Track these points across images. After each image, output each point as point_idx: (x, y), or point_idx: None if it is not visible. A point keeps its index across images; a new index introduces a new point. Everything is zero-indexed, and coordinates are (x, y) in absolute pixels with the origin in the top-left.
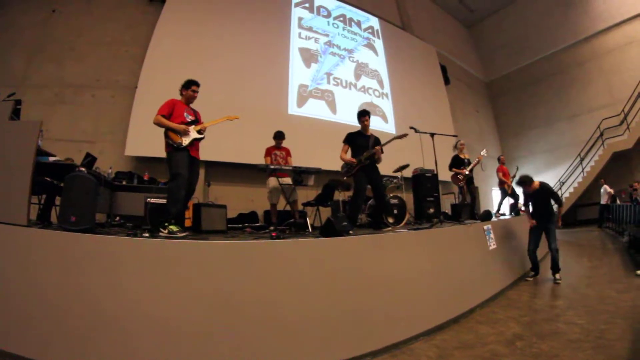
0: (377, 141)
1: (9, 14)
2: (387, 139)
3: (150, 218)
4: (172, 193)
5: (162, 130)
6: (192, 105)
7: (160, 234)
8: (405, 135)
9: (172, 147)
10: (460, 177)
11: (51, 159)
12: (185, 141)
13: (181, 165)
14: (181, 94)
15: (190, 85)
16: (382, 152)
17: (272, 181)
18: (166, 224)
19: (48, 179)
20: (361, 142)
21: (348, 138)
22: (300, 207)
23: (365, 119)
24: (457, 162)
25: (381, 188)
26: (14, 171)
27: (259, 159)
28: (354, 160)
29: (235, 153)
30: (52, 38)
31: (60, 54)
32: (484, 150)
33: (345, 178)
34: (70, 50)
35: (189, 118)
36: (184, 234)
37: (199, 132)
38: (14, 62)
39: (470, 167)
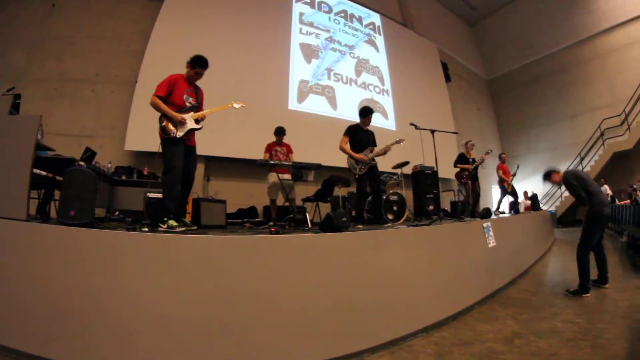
0: (373, 136)
1: (9, 9)
2: (385, 140)
3: (149, 213)
4: (166, 187)
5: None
6: (197, 83)
7: (160, 229)
8: (402, 140)
9: (164, 137)
10: (465, 174)
11: (50, 153)
12: (180, 132)
13: (175, 157)
14: (186, 69)
15: (195, 66)
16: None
17: (272, 177)
18: (165, 219)
19: (44, 172)
20: (362, 137)
21: (350, 131)
22: (299, 203)
23: (371, 117)
24: (462, 161)
25: (380, 186)
26: (13, 166)
27: (258, 154)
28: (365, 157)
29: (235, 148)
30: (52, 33)
31: (60, 49)
32: (490, 150)
33: (357, 176)
34: (70, 45)
35: (189, 101)
36: (182, 229)
37: (196, 121)
38: (14, 57)
39: (474, 165)
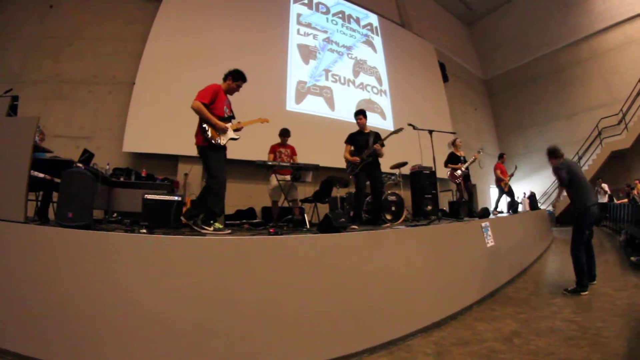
0: (376, 137)
1: (7, 10)
2: (385, 134)
3: (147, 215)
4: (214, 192)
5: (161, 127)
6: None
7: (205, 230)
8: (400, 129)
9: (209, 143)
10: (458, 173)
11: (48, 155)
12: (223, 140)
13: (221, 163)
14: (224, 81)
15: (238, 79)
16: (383, 146)
17: (274, 179)
18: (212, 222)
19: (42, 174)
20: (361, 140)
21: (349, 138)
22: (298, 204)
23: (360, 118)
24: (453, 159)
25: (379, 186)
26: (11, 167)
27: (256, 155)
28: (357, 159)
29: (233, 149)
30: (50, 34)
31: (57, 50)
32: (481, 148)
33: (350, 177)
34: (68, 47)
35: (227, 112)
36: (228, 231)
37: (234, 131)
38: (11, 58)
39: (466, 165)
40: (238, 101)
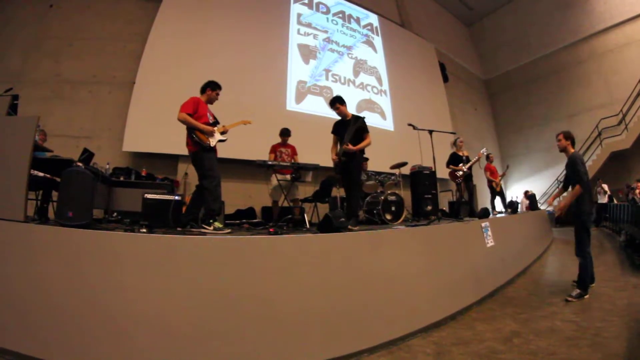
0: (355, 122)
1: (7, 10)
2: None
3: (147, 214)
4: (212, 192)
5: (161, 127)
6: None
7: (204, 230)
8: (363, 117)
9: (199, 147)
10: (459, 174)
11: (48, 154)
12: (212, 142)
13: (213, 163)
14: (203, 92)
15: (216, 88)
16: (365, 133)
17: (274, 178)
18: (211, 221)
19: (41, 174)
20: (342, 130)
21: (333, 128)
22: (298, 204)
23: (336, 107)
24: (454, 160)
25: (353, 185)
26: (11, 167)
27: (256, 154)
28: (335, 158)
29: (233, 149)
30: (50, 34)
31: (57, 49)
32: (484, 148)
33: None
34: (68, 46)
35: (211, 119)
36: (228, 231)
37: (221, 133)
38: (11, 58)
39: (468, 165)
40: (239, 101)
